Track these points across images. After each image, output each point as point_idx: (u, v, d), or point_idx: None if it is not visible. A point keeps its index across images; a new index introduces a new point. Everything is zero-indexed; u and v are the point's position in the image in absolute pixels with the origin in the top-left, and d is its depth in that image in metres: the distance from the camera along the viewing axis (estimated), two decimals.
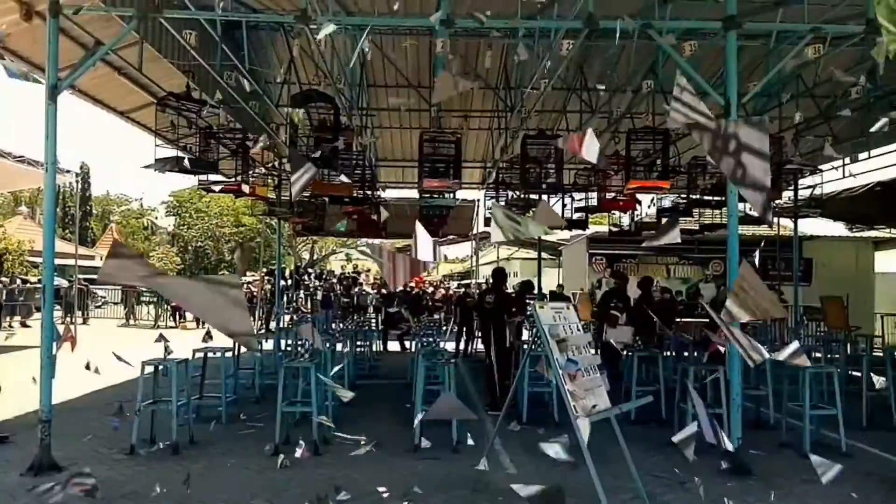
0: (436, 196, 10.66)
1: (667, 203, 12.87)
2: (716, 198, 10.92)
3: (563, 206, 13.44)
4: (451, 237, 24.67)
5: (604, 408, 4.90)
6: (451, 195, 10.50)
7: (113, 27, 7.46)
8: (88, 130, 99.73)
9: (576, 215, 13.28)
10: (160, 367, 6.62)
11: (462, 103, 12.78)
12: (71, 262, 16.49)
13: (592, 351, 5.39)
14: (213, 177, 9.88)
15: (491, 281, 10.29)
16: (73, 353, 6.22)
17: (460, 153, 9.81)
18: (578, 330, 5.29)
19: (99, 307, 26.16)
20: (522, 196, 11.23)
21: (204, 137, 8.82)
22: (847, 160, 12.92)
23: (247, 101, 9.95)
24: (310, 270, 29.18)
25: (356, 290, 23.07)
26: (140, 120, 11.25)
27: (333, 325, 15.36)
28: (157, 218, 55.63)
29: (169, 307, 21.79)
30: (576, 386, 4.80)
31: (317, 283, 23.68)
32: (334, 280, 25.44)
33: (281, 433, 6.46)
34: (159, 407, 6.58)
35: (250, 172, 10.44)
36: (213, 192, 11.35)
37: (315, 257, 45.08)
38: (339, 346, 9.41)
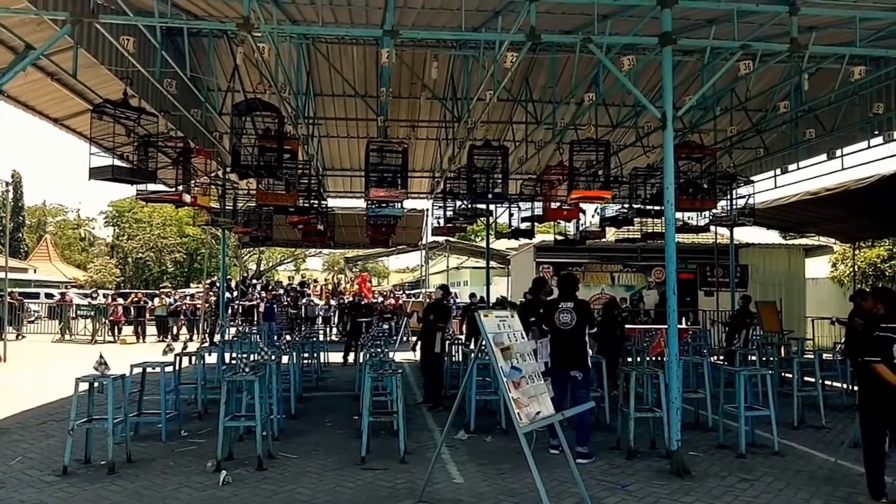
0: (383, 206, 10.62)
1: (609, 212, 13.20)
2: (656, 207, 11.25)
3: (510, 215, 13.65)
4: (400, 246, 24.66)
5: (547, 414, 4.97)
6: (399, 205, 10.48)
7: (45, 31, 7.18)
8: (22, 138, 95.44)
9: (523, 225, 13.50)
10: (95, 384, 6.36)
11: (409, 113, 12.83)
12: (1, 275, 15.71)
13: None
14: (153, 186, 9.59)
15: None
16: None
17: (407, 163, 9.83)
18: (523, 338, 5.35)
19: (32, 322, 24.89)
20: (470, 206, 11.33)
21: (142, 146, 8.55)
22: (778, 171, 13.53)
23: (188, 109, 9.72)
24: (255, 282, 28.50)
25: (304, 300, 22.72)
26: (75, 127, 10.84)
27: (278, 337, 14.97)
28: (95, 228, 53.58)
29: (107, 321, 20.94)
30: (520, 393, 4.85)
31: (262, 294, 23.08)
32: (280, 291, 24.97)
33: (223, 449, 6.28)
34: (95, 425, 6.31)
35: (192, 182, 10.17)
36: (153, 202, 11.02)
37: (262, 268, 44.18)
38: (284, 359, 9.22)
